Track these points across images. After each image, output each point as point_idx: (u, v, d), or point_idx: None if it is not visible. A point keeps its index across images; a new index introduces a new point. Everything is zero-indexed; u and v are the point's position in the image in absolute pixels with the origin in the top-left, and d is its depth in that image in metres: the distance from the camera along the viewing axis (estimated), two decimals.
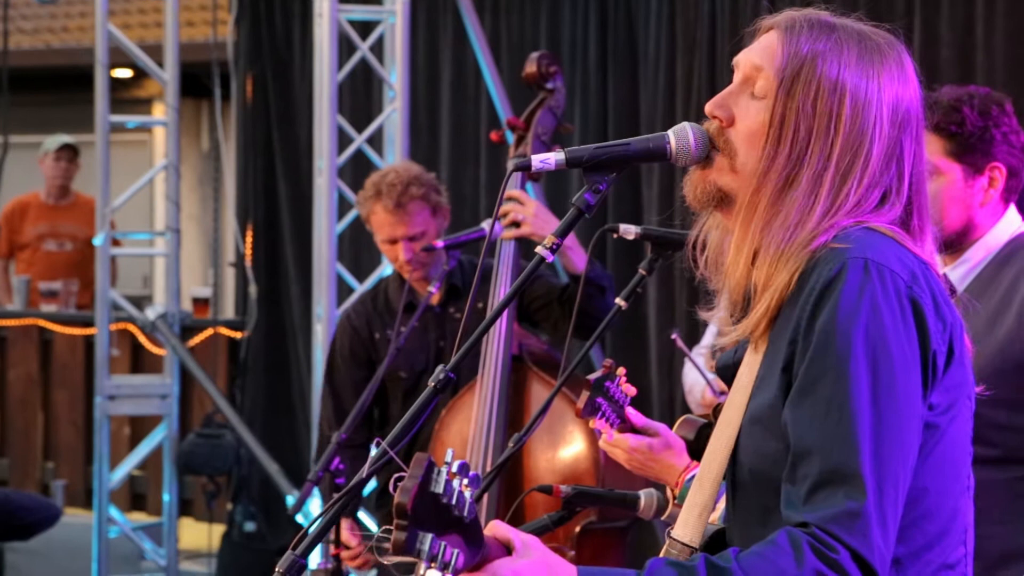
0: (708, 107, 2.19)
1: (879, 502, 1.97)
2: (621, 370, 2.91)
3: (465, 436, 4.36)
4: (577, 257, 4.44)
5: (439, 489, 1.84)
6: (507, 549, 1.99)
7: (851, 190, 2.09)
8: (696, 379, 4.98)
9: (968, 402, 2.13)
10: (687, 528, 2.19)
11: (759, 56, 2.16)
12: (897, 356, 2.01)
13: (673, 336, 4.29)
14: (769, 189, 2.10)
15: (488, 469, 4.00)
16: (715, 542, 2.20)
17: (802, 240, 2.08)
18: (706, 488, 2.18)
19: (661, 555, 2.21)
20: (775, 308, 2.09)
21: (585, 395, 2.87)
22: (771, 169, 2.10)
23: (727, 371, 2.22)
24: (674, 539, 2.19)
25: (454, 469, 1.87)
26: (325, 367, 4.94)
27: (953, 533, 2.10)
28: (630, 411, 2.92)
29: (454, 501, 1.86)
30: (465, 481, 1.87)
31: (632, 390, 2.93)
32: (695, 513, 2.19)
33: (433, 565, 1.83)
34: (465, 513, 1.87)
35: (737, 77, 2.19)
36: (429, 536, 1.83)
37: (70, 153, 9.21)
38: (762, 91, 2.14)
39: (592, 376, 2.88)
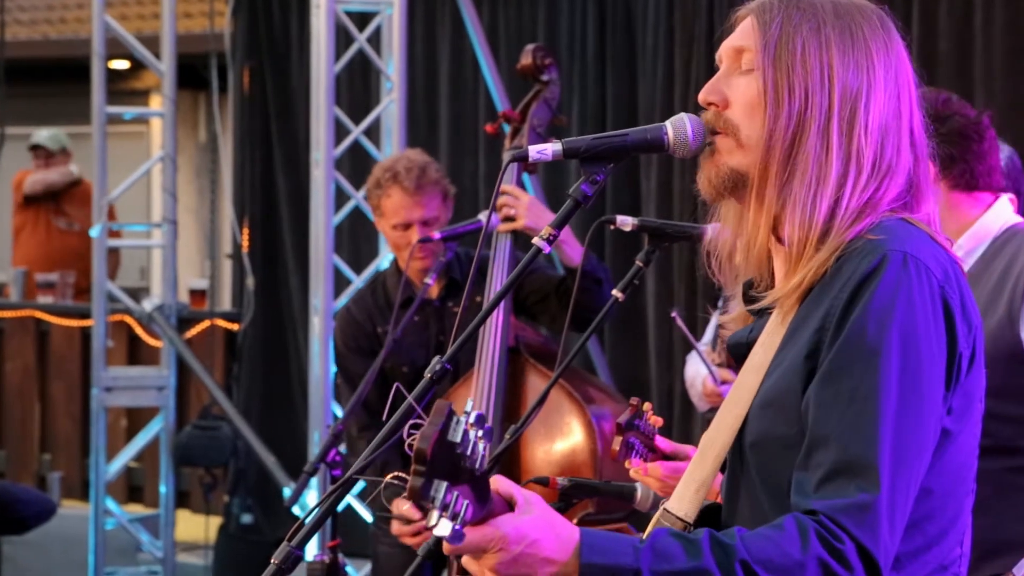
0: (701, 95, 2.18)
1: (891, 498, 1.96)
2: (647, 405, 2.90)
3: None
4: (572, 250, 4.43)
5: (456, 438, 1.83)
6: (509, 505, 1.99)
7: (861, 141, 2.09)
8: (697, 371, 4.94)
9: (980, 405, 2.13)
10: (683, 502, 2.18)
11: (738, 38, 2.18)
12: (926, 355, 2.01)
13: (673, 315, 4.26)
14: (778, 151, 2.09)
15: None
16: (706, 517, 2.19)
17: (842, 220, 2.07)
18: (707, 464, 2.16)
19: (651, 526, 2.21)
20: (808, 285, 2.08)
21: (618, 439, 2.86)
22: (775, 131, 2.10)
23: (739, 348, 2.20)
24: (668, 511, 2.18)
25: (472, 420, 1.86)
26: (336, 365, 4.85)
27: (952, 535, 2.09)
28: (659, 440, 2.91)
29: (469, 451, 1.85)
30: (480, 433, 1.87)
31: (659, 421, 2.92)
32: (692, 488, 2.18)
33: (444, 514, 1.82)
34: (477, 465, 1.87)
35: (723, 64, 2.20)
36: (444, 484, 1.82)
37: (43, 152, 9.24)
38: (749, 64, 2.14)
39: (622, 419, 2.86)
